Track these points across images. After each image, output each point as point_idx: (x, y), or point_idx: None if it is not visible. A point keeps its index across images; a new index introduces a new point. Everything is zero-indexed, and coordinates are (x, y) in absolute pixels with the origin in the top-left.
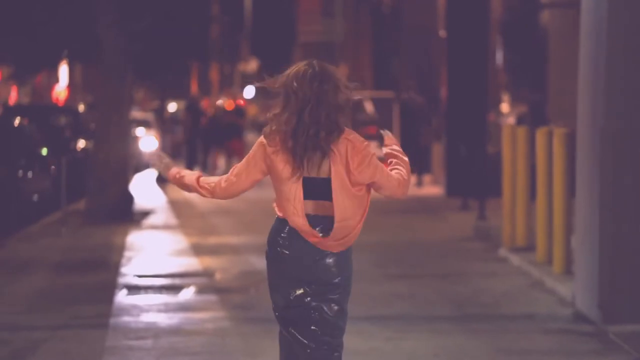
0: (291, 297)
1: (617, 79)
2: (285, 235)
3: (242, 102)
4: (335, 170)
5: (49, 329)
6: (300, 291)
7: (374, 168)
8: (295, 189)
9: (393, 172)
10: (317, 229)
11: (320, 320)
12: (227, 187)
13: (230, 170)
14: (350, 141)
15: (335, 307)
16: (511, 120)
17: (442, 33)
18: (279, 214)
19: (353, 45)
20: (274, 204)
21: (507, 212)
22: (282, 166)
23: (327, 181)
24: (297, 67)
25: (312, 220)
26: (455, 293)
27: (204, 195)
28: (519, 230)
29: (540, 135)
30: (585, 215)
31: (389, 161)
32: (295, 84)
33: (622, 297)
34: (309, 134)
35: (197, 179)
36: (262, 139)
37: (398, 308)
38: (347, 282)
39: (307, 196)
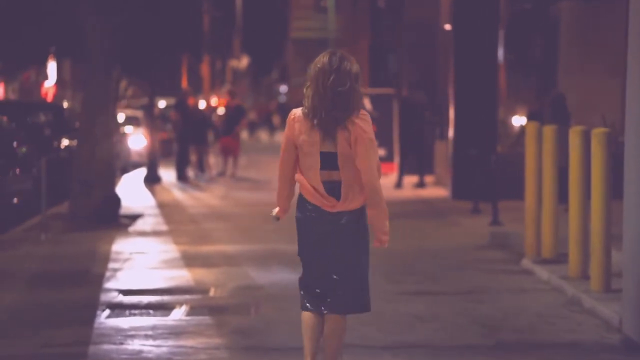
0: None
1: None
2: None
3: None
4: (341, 143)
5: None
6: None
7: (363, 148)
8: (314, 161)
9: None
10: (330, 193)
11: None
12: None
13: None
14: (359, 122)
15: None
16: (522, 118)
17: (448, 26)
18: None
19: (349, 40)
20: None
21: (530, 219)
22: (305, 139)
23: (336, 155)
24: (323, 54)
25: (326, 185)
26: (484, 314)
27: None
28: (545, 239)
29: (574, 134)
30: (636, 224)
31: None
32: (318, 65)
33: None
34: (327, 108)
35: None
36: (289, 118)
37: (421, 334)
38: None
39: (322, 167)
